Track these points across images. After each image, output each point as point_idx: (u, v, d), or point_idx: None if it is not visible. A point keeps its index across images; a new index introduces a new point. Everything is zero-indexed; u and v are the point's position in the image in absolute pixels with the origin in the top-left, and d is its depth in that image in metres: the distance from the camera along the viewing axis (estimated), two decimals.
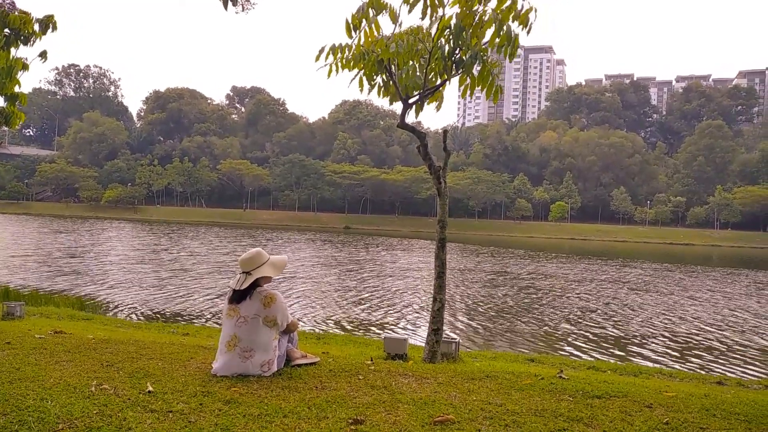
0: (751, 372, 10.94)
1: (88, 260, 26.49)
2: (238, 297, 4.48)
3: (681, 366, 11.03)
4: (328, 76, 5.13)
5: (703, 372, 10.01)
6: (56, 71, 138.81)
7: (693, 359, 11.99)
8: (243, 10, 3.69)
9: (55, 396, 3.59)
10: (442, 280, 5.89)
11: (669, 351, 12.69)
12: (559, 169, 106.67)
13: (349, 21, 4.77)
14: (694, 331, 15.24)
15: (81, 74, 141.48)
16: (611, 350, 12.50)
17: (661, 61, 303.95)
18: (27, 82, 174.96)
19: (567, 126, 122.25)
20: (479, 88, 5.10)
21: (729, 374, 9.80)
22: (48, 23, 3.65)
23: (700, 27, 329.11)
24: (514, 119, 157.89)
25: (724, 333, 15.12)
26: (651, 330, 15.08)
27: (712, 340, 14.15)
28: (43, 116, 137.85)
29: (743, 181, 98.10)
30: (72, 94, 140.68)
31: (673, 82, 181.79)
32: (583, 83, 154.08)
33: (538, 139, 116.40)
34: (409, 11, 4.44)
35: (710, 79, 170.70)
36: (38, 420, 3.18)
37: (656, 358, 11.92)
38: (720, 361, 11.95)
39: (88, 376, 4.10)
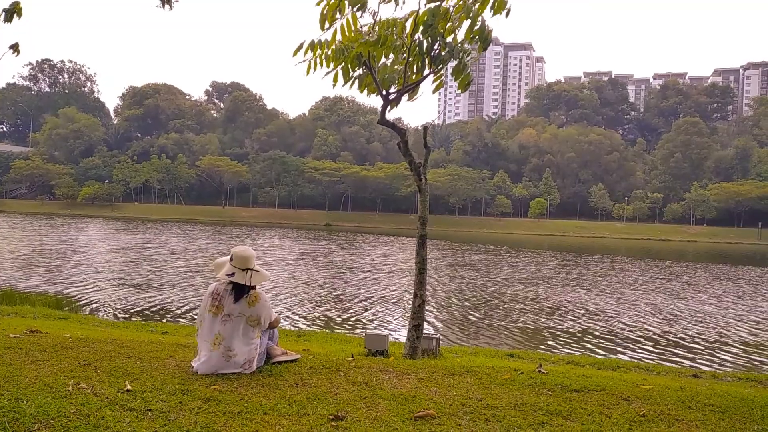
0: (726, 365, 11.14)
1: (64, 258, 26.08)
2: (238, 292, 4.44)
3: (658, 359, 11.19)
4: (308, 73, 5.07)
5: (678, 365, 10.17)
6: (30, 66, 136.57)
7: (669, 353, 12.17)
8: None
9: (31, 396, 3.52)
10: (423, 277, 5.90)
11: (647, 345, 12.86)
12: (538, 166, 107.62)
13: (324, 14, 4.73)
14: (673, 326, 15.48)
15: (56, 69, 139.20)
16: (590, 345, 12.64)
17: (639, 59, 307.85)
18: None
19: (546, 123, 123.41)
20: (452, 78, 5.14)
21: (703, 367, 9.98)
22: (13, 11, 3.51)
23: (677, 25, 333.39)
24: (494, 116, 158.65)
25: (701, 327, 15.37)
26: (629, 325, 15.28)
27: (690, 334, 14.38)
28: (17, 112, 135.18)
29: (718, 178, 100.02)
30: (47, 89, 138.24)
31: (651, 80, 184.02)
32: (562, 80, 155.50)
33: (517, 136, 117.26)
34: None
35: (686, 77, 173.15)
36: (13, 420, 3.12)
37: (635, 352, 12.07)
38: (696, 354, 12.15)
39: (65, 376, 4.04)
